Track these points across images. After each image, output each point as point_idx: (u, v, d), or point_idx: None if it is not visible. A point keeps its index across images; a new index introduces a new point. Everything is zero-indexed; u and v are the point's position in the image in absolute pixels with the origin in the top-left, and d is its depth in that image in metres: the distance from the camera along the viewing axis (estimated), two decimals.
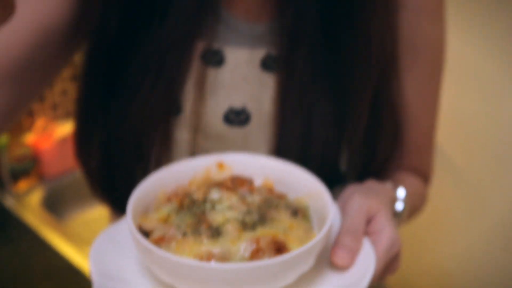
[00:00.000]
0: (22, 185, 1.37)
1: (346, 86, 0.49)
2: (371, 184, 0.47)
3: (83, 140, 0.54)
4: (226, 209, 0.41)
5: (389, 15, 0.49)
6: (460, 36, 1.04)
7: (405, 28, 0.51)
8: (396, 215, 0.49)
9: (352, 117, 0.49)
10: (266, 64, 0.50)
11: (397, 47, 0.51)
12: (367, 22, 0.47)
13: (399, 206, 0.50)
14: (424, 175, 0.62)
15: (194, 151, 0.51)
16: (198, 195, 0.43)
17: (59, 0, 0.47)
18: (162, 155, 0.50)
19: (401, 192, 0.50)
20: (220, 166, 0.47)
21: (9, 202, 1.31)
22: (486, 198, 1.33)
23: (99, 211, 1.31)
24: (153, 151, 0.50)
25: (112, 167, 0.51)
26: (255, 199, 0.43)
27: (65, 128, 1.44)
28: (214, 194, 0.43)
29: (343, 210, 0.44)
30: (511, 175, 1.27)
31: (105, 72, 0.50)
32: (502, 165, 1.29)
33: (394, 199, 0.49)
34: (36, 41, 0.47)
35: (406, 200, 0.50)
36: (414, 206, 0.57)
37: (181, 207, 0.42)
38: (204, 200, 0.42)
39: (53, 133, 1.42)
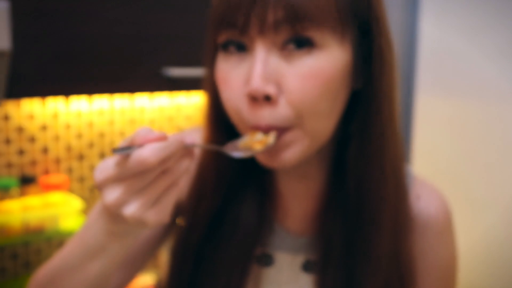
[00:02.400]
0: None
1: None
2: None
3: None
4: None
5: (397, 239, 0.59)
6: None
7: (416, 248, 0.61)
8: None
9: None
10: (306, 267, 0.63)
11: (408, 264, 0.61)
12: (377, 247, 0.58)
13: None
14: None
15: None
16: None
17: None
18: None
19: None
20: None
21: None
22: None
23: None
24: None
25: None
26: None
27: (143, 280, 1.47)
28: None
29: None
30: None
31: (187, 267, 0.65)
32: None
33: None
34: (149, 238, 0.67)
35: None
36: None
37: None
38: None
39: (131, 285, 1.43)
